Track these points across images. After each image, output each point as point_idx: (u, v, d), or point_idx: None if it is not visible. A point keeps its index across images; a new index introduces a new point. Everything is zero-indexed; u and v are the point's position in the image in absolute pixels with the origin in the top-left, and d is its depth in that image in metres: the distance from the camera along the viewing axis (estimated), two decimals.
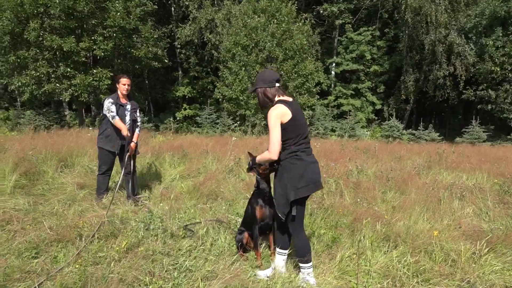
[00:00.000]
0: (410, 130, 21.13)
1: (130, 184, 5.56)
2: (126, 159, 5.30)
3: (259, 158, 3.22)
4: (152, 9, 19.51)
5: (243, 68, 17.86)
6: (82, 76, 16.47)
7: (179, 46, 23.73)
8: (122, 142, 5.24)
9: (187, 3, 22.42)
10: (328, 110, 24.61)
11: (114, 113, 5.09)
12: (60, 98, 16.78)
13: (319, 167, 3.18)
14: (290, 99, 3.11)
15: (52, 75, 16.24)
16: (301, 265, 3.15)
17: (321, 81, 24.43)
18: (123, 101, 5.29)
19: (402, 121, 24.93)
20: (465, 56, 21.52)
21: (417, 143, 17.41)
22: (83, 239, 3.87)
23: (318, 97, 25.10)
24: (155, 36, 19.26)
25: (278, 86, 3.13)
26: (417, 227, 4.05)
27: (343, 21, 24.72)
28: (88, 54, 17.38)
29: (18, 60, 15.76)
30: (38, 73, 15.85)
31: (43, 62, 15.89)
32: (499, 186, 6.05)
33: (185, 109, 25.99)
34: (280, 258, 3.34)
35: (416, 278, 3.27)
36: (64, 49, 15.64)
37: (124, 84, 5.20)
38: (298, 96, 18.33)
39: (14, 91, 18.06)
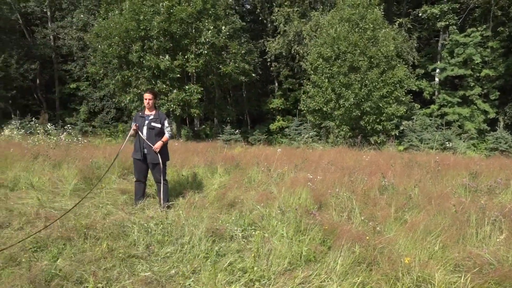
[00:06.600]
0: None
1: (160, 191, 6.03)
2: (153, 167, 5.86)
3: None
4: (241, 26, 20.50)
5: (327, 80, 17.54)
6: (177, 91, 18.17)
7: (269, 59, 24.39)
8: (144, 150, 5.77)
9: (275, 17, 22.92)
10: (430, 120, 22.57)
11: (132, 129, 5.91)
12: None
13: None
14: None
15: None
16: None
17: (422, 88, 22.69)
18: (146, 112, 5.91)
19: None
20: None
21: None
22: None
23: (420, 106, 23.32)
24: (242, 52, 20.16)
25: None
26: (403, 252, 3.59)
27: (447, 22, 22.56)
28: (188, 72, 19.04)
29: (123, 80, 18.08)
30: (139, 90, 17.96)
31: (143, 80, 17.94)
32: None
33: (278, 120, 26.56)
34: None
35: None
36: (161, 68, 17.47)
37: (145, 99, 5.80)
38: (386, 106, 17.22)
39: (126, 107, 20.62)
